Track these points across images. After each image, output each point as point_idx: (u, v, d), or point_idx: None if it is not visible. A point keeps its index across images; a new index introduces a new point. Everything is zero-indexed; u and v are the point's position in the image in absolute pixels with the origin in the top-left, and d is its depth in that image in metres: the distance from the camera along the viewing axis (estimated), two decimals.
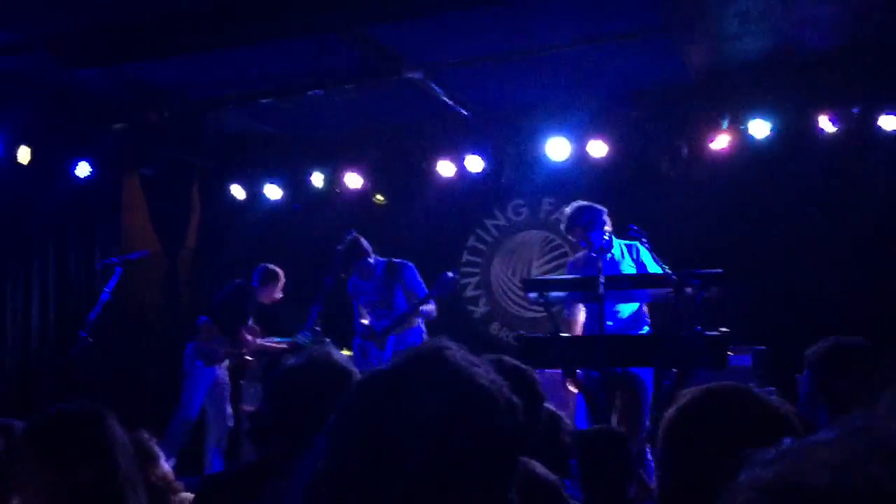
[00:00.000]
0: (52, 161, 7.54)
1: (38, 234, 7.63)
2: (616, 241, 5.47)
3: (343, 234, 6.51)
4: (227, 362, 6.98)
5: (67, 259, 7.86)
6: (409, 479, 1.01)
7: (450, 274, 5.97)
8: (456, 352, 1.12)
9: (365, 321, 6.38)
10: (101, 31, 5.62)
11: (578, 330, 5.48)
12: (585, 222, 5.36)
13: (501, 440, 1.07)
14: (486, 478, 1.06)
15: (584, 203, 5.51)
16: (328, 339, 5.73)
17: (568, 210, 5.54)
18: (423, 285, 6.23)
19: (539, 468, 2.43)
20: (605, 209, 5.48)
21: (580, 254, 5.70)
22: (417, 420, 1.02)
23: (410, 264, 6.30)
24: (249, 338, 6.96)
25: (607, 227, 5.36)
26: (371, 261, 6.30)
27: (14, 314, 7.39)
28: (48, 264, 7.71)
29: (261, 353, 7.08)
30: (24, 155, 7.46)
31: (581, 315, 5.52)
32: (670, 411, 1.72)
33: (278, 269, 7.12)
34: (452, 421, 1.03)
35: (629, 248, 5.48)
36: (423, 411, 1.02)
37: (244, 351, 6.98)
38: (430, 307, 6.16)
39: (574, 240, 5.67)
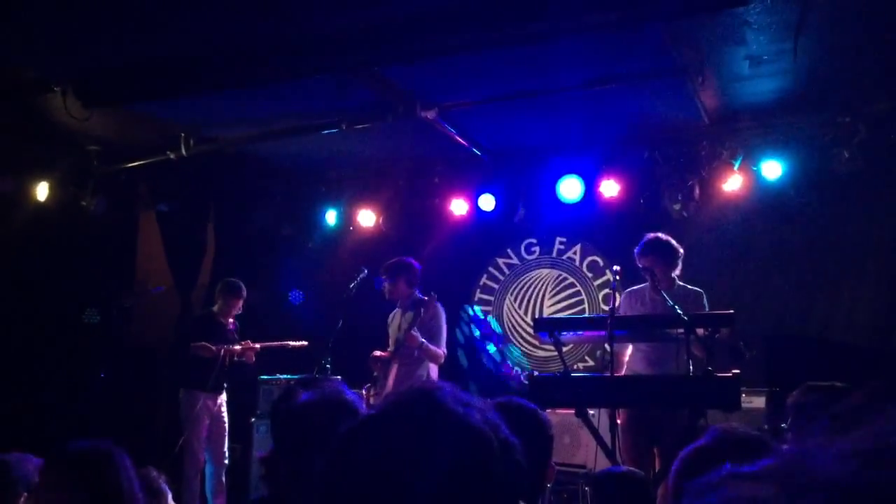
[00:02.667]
0: (69, 197, 7.64)
1: (53, 270, 7.70)
2: (680, 284, 5.37)
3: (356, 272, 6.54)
4: (223, 397, 6.95)
5: (82, 294, 7.92)
6: None
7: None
8: (448, 392, 1.08)
9: (381, 352, 6.25)
10: (121, 71, 5.72)
11: (622, 368, 5.37)
12: (652, 257, 5.28)
13: (498, 483, 1.04)
14: None
15: (664, 238, 5.38)
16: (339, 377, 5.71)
17: (645, 238, 5.41)
18: (443, 329, 6.19)
19: None
20: (680, 250, 5.36)
21: (637, 287, 5.55)
22: (408, 466, 0.99)
23: (440, 307, 6.17)
24: (238, 347, 6.98)
25: (676, 272, 5.33)
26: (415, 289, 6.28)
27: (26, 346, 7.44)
28: (66, 300, 7.77)
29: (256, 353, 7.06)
30: (42, 192, 7.58)
31: (627, 352, 5.40)
32: (685, 451, 1.74)
33: (235, 280, 7.18)
34: (444, 465, 1.00)
35: (690, 293, 5.34)
36: (413, 457, 0.99)
37: (240, 350, 6.98)
38: (438, 350, 6.07)
39: (640, 266, 5.45)
